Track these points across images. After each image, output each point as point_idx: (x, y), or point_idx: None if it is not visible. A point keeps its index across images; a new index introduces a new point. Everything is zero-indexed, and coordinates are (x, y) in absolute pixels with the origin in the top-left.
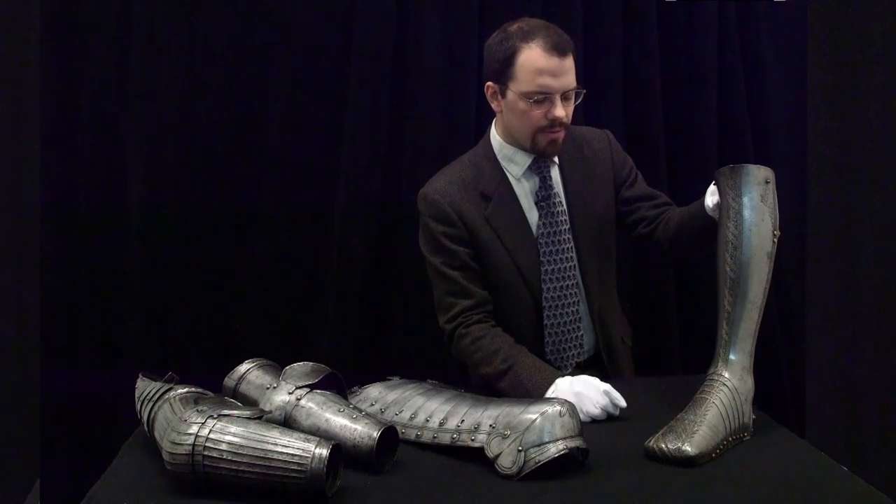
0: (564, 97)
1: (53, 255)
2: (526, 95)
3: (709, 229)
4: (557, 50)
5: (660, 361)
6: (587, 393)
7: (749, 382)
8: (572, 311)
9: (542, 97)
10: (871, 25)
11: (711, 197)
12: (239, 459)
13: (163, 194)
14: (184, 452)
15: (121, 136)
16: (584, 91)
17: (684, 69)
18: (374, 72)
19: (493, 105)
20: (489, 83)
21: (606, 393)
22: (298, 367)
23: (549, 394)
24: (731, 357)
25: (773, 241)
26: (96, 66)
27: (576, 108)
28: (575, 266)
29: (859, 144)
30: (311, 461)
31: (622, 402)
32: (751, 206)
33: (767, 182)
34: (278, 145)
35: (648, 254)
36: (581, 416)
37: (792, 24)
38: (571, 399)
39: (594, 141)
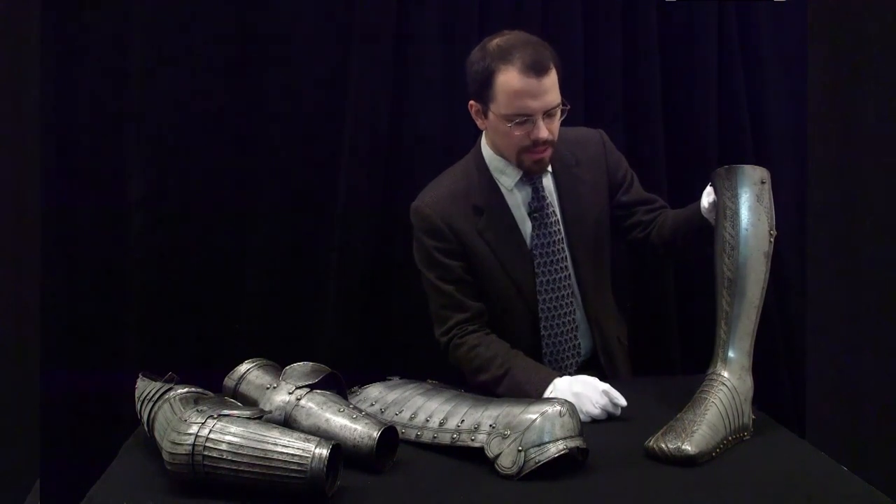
0: (548, 115)
1: (53, 255)
2: (506, 118)
3: (704, 231)
4: (535, 70)
5: (660, 361)
6: (586, 393)
7: (748, 382)
8: (569, 321)
9: (523, 119)
10: (871, 25)
11: (707, 198)
12: (239, 459)
13: (163, 194)
14: (184, 452)
15: (121, 137)
16: (569, 107)
17: (684, 69)
18: (373, 72)
19: (478, 123)
20: (472, 102)
21: (605, 392)
22: (298, 367)
23: (548, 394)
24: (730, 356)
25: (770, 241)
26: (96, 66)
27: (575, 108)
28: (570, 275)
29: (859, 144)
30: (311, 461)
31: (622, 401)
32: (747, 207)
33: (763, 182)
34: (278, 145)
35: (644, 256)
36: (581, 416)
37: (792, 24)
38: (570, 399)
39: (588, 144)
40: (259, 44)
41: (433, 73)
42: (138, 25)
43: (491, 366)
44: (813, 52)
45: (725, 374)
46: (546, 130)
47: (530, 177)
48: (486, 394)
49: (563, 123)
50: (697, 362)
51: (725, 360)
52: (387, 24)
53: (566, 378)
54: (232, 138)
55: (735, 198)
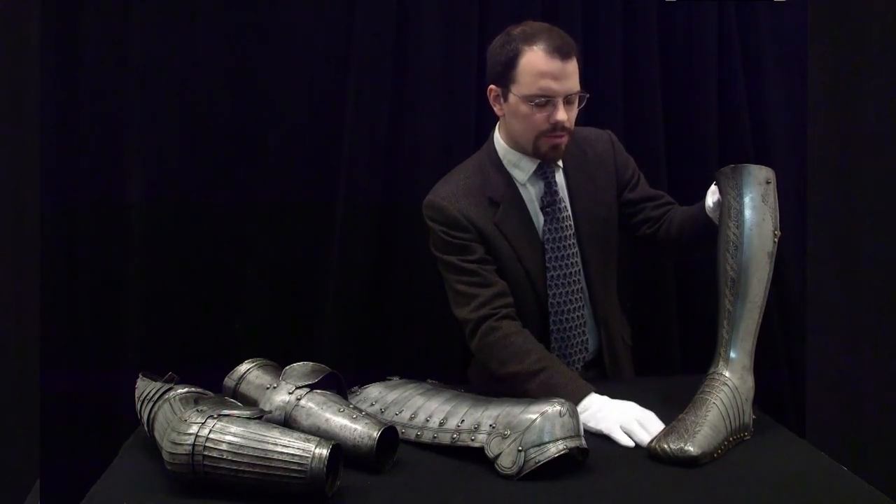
0: (567, 101)
1: (53, 255)
2: (528, 99)
3: (709, 230)
4: (560, 53)
5: (660, 361)
6: (621, 416)
7: (749, 382)
8: (577, 316)
9: (545, 101)
10: (871, 25)
11: (712, 197)
12: (239, 459)
13: (163, 194)
14: (184, 452)
15: (121, 136)
16: (588, 95)
17: (684, 69)
18: (373, 72)
19: (496, 109)
20: (491, 86)
21: (638, 420)
22: (298, 367)
23: (581, 408)
24: (732, 356)
25: (774, 241)
26: (96, 66)
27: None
28: (580, 271)
29: (859, 145)
30: (311, 461)
31: (645, 438)
32: (752, 206)
33: (768, 182)
34: (278, 145)
35: (652, 253)
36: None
37: (792, 24)
38: (609, 424)
39: (597, 143)
40: (259, 44)
41: (433, 73)
42: (138, 25)
43: (526, 358)
44: (813, 52)
45: (727, 373)
46: (565, 114)
47: (543, 169)
48: (509, 386)
49: None
50: (698, 362)
51: (727, 359)
52: (387, 24)
53: (606, 398)
54: (232, 138)
55: (739, 197)
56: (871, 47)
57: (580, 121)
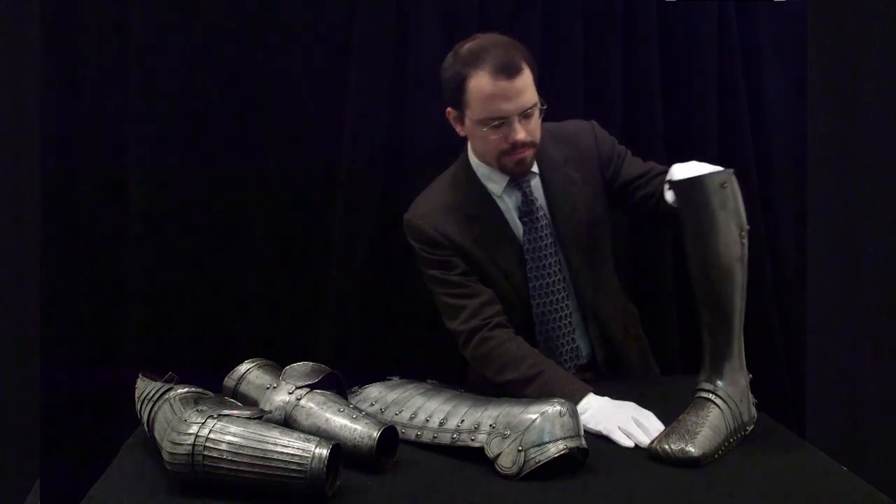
0: (524, 116)
1: (53, 254)
2: (481, 123)
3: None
4: (505, 72)
5: (660, 361)
6: (619, 416)
7: (742, 382)
8: (565, 324)
9: (499, 122)
10: (871, 25)
11: (669, 192)
12: (239, 459)
13: (163, 193)
14: (184, 452)
15: (121, 136)
16: (545, 106)
17: (684, 69)
18: (373, 72)
19: (457, 129)
20: (449, 109)
21: (635, 419)
22: (298, 367)
23: (579, 409)
24: (718, 364)
25: (742, 243)
26: (96, 66)
27: (575, 109)
28: (564, 278)
29: (859, 144)
30: (311, 461)
31: (643, 438)
32: (710, 221)
33: (724, 186)
34: (278, 146)
35: (664, 224)
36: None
37: (792, 24)
38: (603, 425)
39: (579, 138)
40: (259, 44)
41: (433, 73)
42: (138, 25)
43: (521, 365)
44: (813, 52)
45: (719, 382)
46: (523, 132)
47: (516, 180)
48: (505, 393)
49: (560, 118)
50: (698, 362)
51: (715, 367)
52: (387, 23)
53: (605, 399)
54: (232, 139)
55: (696, 212)
56: (871, 47)
57: (579, 118)
